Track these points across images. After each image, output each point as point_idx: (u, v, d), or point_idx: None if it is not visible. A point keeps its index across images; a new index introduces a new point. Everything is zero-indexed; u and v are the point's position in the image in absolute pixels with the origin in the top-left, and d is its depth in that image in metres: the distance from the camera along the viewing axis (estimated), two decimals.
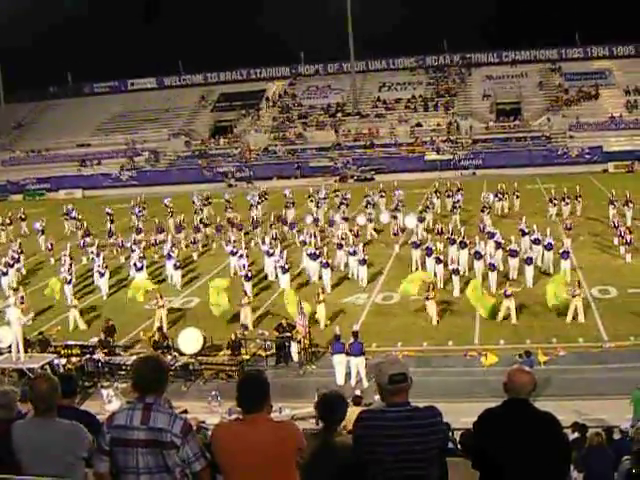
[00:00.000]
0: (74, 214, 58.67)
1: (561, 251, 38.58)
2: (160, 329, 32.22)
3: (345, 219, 51.39)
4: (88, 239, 50.69)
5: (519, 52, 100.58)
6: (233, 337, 29.81)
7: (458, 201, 54.34)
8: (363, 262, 40.10)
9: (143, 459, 6.17)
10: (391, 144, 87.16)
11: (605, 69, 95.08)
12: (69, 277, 39.48)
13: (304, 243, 44.76)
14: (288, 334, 29.65)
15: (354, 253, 40.90)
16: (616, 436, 17.80)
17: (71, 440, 6.41)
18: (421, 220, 49.43)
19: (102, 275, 40.88)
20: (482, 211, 51.11)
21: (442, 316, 33.71)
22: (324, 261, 39.71)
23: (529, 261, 37.55)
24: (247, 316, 33.62)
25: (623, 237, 41.25)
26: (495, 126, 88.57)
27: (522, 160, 79.00)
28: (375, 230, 50.53)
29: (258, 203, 58.97)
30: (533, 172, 72.02)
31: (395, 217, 50.02)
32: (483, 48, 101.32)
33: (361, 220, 50.80)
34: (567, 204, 52.02)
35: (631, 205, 48.72)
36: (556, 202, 52.97)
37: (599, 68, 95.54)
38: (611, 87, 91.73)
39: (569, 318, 31.80)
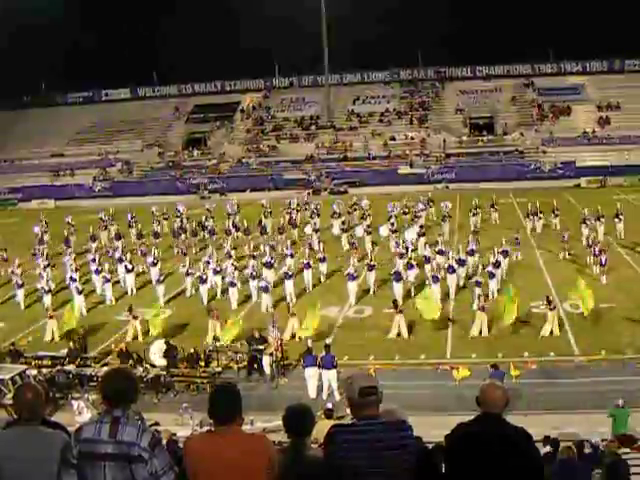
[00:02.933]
0: (69, 219, 58.61)
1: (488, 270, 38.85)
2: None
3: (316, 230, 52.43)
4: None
5: (493, 67, 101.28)
6: (192, 350, 29.68)
7: (422, 210, 55.15)
8: (323, 260, 42.24)
9: (111, 473, 6.10)
10: (364, 157, 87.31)
11: (578, 85, 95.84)
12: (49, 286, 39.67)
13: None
14: (260, 347, 29.53)
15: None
16: (587, 450, 17.84)
17: (56, 448, 6.33)
18: (394, 232, 49.64)
19: (108, 280, 40.94)
20: (443, 221, 52.01)
21: (414, 329, 33.76)
22: (305, 261, 41.22)
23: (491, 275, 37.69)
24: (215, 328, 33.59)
25: (597, 256, 40.65)
26: (468, 140, 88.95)
27: (495, 174, 79.30)
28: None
29: (236, 213, 59.49)
30: (506, 187, 72.16)
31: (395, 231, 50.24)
32: (457, 63, 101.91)
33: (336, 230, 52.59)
34: (539, 219, 52.24)
35: (603, 220, 48.90)
36: (532, 217, 53.34)
37: (572, 84, 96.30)
38: (584, 103, 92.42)
39: (547, 332, 31.93)
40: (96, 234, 55.01)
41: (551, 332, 31.97)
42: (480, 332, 32.58)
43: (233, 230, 54.06)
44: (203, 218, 57.46)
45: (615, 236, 48.24)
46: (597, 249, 41.15)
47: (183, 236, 53.60)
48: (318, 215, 56.43)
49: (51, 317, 35.52)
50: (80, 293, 39.02)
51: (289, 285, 38.84)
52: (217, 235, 53.98)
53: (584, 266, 42.85)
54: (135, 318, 34.57)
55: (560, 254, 44.69)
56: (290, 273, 39.17)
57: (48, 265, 44.35)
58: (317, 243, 48.76)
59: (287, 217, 56.27)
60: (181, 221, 57.51)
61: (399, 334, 33.03)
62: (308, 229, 52.88)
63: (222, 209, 61.13)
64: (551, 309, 32.27)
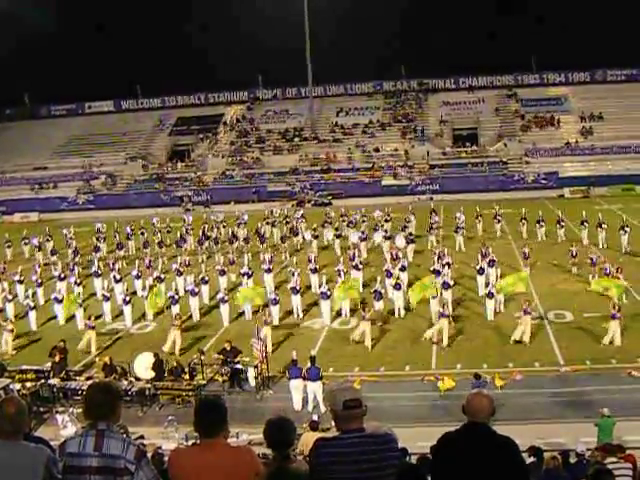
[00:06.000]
0: (65, 232, 58.43)
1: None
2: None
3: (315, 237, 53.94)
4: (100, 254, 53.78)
5: (476, 78, 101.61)
6: (175, 363, 29.73)
7: (436, 222, 54.88)
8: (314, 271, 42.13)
9: None
10: (348, 169, 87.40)
11: (561, 95, 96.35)
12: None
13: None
14: (245, 359, 29.48)
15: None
16: (572, 459, 17.86)
17: (38, 463, 6.29)
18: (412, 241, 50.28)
19: (107, 299, 39.95)
20: (455, 232, 51.82)
21: (398, 341, 33.79)
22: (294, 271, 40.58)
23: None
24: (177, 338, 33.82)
25: (608, 275, 38.31)
26: (452, 151, 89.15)
27: (479, 185, 79.72)
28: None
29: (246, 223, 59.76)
30: (490, 197, 72.17)
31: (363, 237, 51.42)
32: (440, 74, 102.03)
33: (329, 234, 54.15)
34: (541, 227, 53.01)
35: (604, 227, 49.52)
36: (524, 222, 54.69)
37: (555, 94, 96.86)
38: (567, 113, 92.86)
39: (515, 338, 32.13)
40: (98, 245, 55.25)
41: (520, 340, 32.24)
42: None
43: (234, 239, 54.73)
44: (204, 227, 58.19)
45: (620, 248, 48.22)
46: (611, 268, 39.08)
47: (185, 245, 54.76)
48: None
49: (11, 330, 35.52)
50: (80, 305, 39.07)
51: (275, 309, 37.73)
52: (220, 245, 54.55)
53: (566, 271, 43.13)
54: (92, 328, 34.56)
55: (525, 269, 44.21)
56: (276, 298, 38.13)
57: (22, 281, 44.05)
58: (315, 251, 50.06)
59: (287, 226, 57.45)
60: (186, 231, 57.89)
61: (359, 342, 33.15)
62: (307, 235, 54.28)
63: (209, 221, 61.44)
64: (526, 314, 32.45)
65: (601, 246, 48.64)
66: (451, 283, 37.50)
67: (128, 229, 58.33)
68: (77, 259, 51.75)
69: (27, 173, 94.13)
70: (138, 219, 62.11)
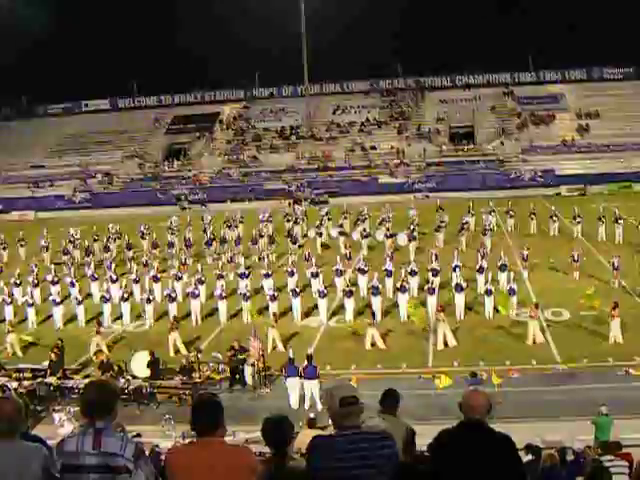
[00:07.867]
0: (71, 232, 57.87)
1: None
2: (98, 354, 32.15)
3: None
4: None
5: (472, 76, 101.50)
6: (184, 361, 29.68)
7: (467, 223, 53.86)
8: (316, 275, 40.78)
9: None
10: (345, 167, 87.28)
11: (557, 93, 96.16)
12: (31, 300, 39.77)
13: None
14: (241, 356, 29.48)
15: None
16: (569, 457, 17.85)
17: (35, 463, 6.27)
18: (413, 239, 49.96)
19: (107, 300, 39.62)
20: (484, 234, 50.58)
21: (395, 338, 33.77)
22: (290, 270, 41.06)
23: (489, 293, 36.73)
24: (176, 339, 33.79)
25: None
26: (449, 149, 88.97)
27: (475, 183, 79.42)
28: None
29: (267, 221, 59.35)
30: (486, 195, 71.83)
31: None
32: (436, 72, 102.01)
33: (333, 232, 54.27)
34: (554, 222, 53.29)
35: (621, 222, 49.53)
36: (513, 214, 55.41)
37: (552, 92, 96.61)
38: (563, 111, 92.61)
39: (530, 341, 32.00)
40: (108, 245, 54.65)
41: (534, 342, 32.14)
42: (446, 344, 32.63)
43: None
44: (206, 227, 57.13)
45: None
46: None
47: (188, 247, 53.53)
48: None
49: (11, 331, 35.40)
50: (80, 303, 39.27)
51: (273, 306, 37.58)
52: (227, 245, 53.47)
53: (562, 270, 43.03)
54: (98, 333, 34.35)
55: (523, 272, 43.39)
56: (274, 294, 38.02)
57: (19, 284, 43.76)
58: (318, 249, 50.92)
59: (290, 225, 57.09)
60: (203, 231, 56.41)
61: (373, 344, 33.01)
62: (311, 233, 54.32)
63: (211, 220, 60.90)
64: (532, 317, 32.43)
65: (618, 242, 48.69)
66: (464, 285, 37.04)
67: (142, 228, 57.46)
68: (89, 259, 51.07)
69: (23, 172, 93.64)
70: (137, 218, 61.77)
